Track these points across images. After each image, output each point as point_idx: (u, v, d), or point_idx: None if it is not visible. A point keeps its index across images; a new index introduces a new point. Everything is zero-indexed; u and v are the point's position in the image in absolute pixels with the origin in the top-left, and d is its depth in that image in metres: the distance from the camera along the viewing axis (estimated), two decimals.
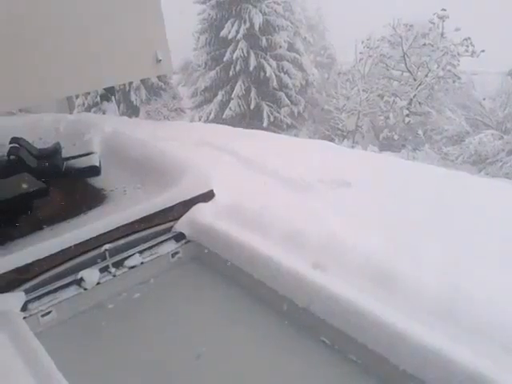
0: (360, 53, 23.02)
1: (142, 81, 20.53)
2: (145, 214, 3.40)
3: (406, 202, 3.76)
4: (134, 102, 21.44)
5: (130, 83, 20.53)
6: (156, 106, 21.79)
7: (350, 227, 3.26)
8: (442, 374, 2.06)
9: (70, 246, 3.08)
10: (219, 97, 22.62)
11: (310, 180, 4.54)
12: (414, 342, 2.18)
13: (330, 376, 2.45)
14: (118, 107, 19.75)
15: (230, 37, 21.44)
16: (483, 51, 20.62)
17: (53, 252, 3.02)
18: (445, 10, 20.85)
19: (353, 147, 20.05)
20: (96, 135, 4.97)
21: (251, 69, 21.54)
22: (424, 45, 21.16)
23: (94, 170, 4.30)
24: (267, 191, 4.20)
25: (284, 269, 2.85)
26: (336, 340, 2.57)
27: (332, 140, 21.30)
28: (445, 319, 2.30)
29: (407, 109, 21.29)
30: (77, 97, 17.79)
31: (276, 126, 22.64)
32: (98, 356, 2.74)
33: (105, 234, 3.22)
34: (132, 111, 21.31)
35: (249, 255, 3.08)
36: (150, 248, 3.46)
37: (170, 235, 3.57)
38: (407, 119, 21.07)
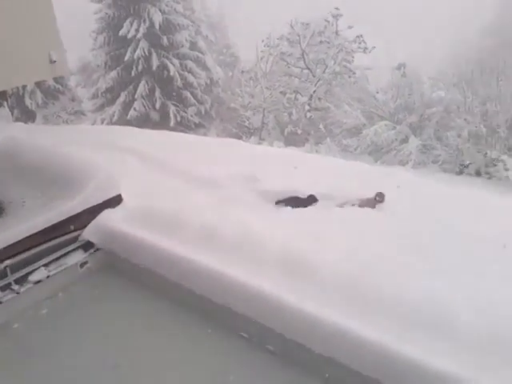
0: (261, 51, 23.59)
1: (37, 83, 19.25)
2: (47, 225, 3.21)
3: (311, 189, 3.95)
4: (30, 107, 20.08)
5: (24, 86, 19.16)
6: (54, 109, 20.61)
7: (262, 221, 3.35)
8: (353, 353, 2.21)
9: None
10: (122, 97, 21.95)
11: (219, 177, 4.58)
12: (328, 325, 2.30)
13: (249, 369, 2.51)
14: (12, 113, 18.34)
15: (129, 36, 20.86)
16: (374, 47, 22.18)
17: None
18: (338, 8, 22.07)
19: (260, 143, 20.51)
20: None
21: (154, 68, 21.16)
22: (320, 42, 22.27)
23: None
24: (178, 192, 4.17)
25: (200, 268, 2.85)
26: (254, 333, 2.63)
27: (240, 137, 21.60)
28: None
29: (308, 104, 22.25)
30: None
31: (184, 126, 22.47)
32: (8, 379, 2.55)
33: (4, 249, 3.00)
34: (27, 116, 19.91)
35: (162, 258, 3.05)
36: (56, 260, 3.27)
37: (77, 245, 3.41)
38: (309, 114, 22.04)
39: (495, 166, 15.95)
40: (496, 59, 18.46)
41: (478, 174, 16.59)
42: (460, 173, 17.03)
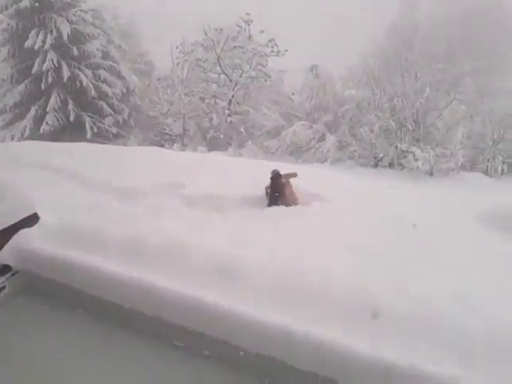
0: (176, 58, 23.46)
1: None
2: None
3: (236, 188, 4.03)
4: None
5: None
6: None
7: (187, 229, 3.38)
8: (286, 348, 2.32)
9: None
10: (32, 112, 20.81)
11: (142, 187, 4.54)
12: (257, 324, 2.39)
13: (187, 375, 2.52)
14: None
15: (36, 47, 19.83)
16: (287, 50, 22.86)
17: None
18: (249, 14, 22.48)
19: (183, 150, 20.40)
20: None
21: (65, 80, 20.28)
22: (235, 47, 22.55)
23: None
24: (99, 205, 4.08)
25: (127, 281, 2.80)
26: (188, 340, 2.64)
27: (162, 145, 21.31)
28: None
29: (228, 109, 22.47)
30: None
31: (101, 137, 21.75)
32: None
33: None
34: None
35: (85, 275, 2.96)
36: None
37: None
38: (229, 119, 22.25)
39: (406, 157, 17.04)
40: (399, 57, 19.79)
41: (391, 165, 17.67)
42: (375, 166, 18.02)
